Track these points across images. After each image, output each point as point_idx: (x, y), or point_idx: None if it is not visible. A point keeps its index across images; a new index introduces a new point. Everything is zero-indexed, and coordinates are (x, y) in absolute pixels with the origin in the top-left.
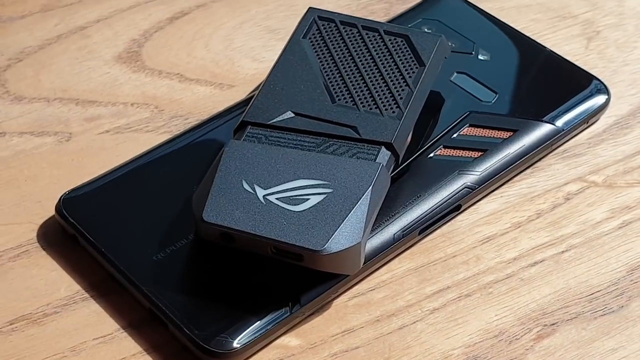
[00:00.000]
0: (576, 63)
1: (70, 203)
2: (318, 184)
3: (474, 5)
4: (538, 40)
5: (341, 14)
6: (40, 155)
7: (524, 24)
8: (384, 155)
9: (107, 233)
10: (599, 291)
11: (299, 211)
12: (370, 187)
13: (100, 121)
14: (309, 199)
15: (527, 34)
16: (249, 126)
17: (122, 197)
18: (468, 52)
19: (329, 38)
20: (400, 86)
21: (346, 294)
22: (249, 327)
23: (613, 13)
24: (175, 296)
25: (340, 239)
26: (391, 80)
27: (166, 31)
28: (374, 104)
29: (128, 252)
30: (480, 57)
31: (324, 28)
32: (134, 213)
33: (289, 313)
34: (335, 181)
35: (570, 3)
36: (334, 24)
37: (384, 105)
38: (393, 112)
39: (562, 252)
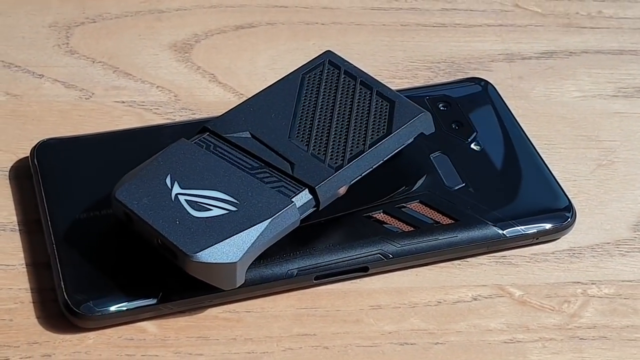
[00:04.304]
0: (572, 183)
1: (43, 148)
2: (228, 200)
3: (502, 100)
4: (544, 151)
5: (351, 64)
6: (57, 103)
7: (545, 132)
8: (303, 196)
9: (55, 181)
10: None
11: (195, 216)
12: (270, 219)
13: (122, 91)
14: (211, 209)
15: (536, 142)
16: (207, 133)
17: (86, 159)
18: (463, 138)
19: (325, 82)
20: (357, 143)
21: (223, 306)
22: (114, 303)
23: None
24: (71, 253)
25: (215, 253)
26: (353, 136)
27: (227, 36)
28: (323, 150)
29: (60, 203)
30: (472, 146)
31: (327, 72)
32: (87, 174)
33: (154, 302)
34: (245, 203)
35: (605, 128)
36: (337, 72)
37: (332, 155)
38: (335, 162)
39: (436, 343)
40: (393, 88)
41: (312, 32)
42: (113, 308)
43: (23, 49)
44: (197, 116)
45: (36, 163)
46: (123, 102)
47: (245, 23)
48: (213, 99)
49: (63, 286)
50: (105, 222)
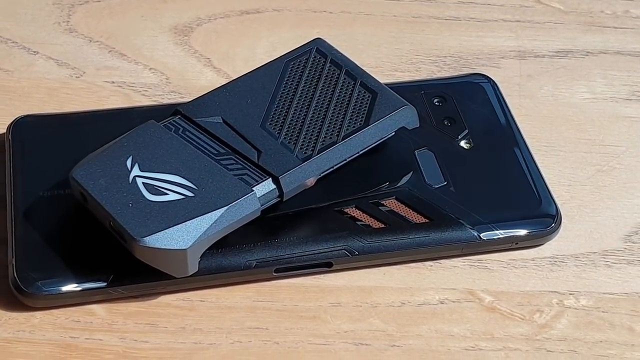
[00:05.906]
0: (565, 188)
1: (20, 124)
2: (187, 186)
3: (503, 99)
4: (542, 154)
5: (339, 53)
6: (47, 80)
7: (547, 133)
8: (266, 185)
9: (26, 158)
10: None
11: (149, 200)
12: (227, 207)
13: (114, 72)
14: (168, 194)
15: (535, 144)
16: (178, 116)
17: (62, 137)
18: (452, 135)
19: (309, 70)
20: (331, 134)
21: (177, 294)
22: (63, 284)
23: None
24: (27, 231)
25: (164, 239)
26: (328, 126)
27: (230, 20)
28: (294, 140)
29: (27, 179)
30: (462, 144)
31: (313, 60)
32: (60, 153)
33: (104, 285)
34: (204, 189)
35: (611, 132)
36: (324, 60)
37: (302, 145)
38: (305, 153)
39: (393, 345)
40: (393, 81)
41: (319, 20)
42: (62, 288)
43: (23, 25)
44: (186, 100)
45: (10, 139)
46: (113, 82)
47: (251, 8)
48: (205, 84)
49: (14, 263)
50: (65, 202)
